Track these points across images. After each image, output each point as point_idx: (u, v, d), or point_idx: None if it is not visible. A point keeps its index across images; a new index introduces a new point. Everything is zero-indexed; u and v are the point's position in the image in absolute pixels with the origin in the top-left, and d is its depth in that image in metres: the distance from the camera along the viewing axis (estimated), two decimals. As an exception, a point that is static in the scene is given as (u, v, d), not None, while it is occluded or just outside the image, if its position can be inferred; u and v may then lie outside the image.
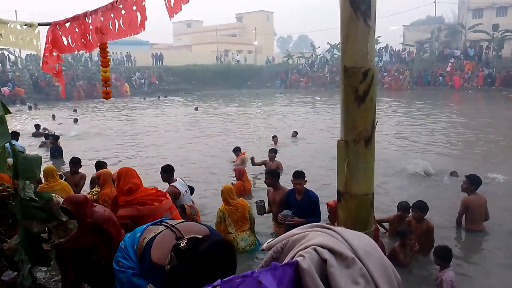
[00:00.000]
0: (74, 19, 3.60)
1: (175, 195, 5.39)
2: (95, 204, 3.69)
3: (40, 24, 3.97)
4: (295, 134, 13.82)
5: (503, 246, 5.30)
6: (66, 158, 8.90)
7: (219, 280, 1.63)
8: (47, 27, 3.86)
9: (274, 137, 12.39)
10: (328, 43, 45.22)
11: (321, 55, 47.64)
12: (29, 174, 3.75)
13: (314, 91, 37.92)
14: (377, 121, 2.62)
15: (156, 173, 7.83)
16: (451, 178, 8.28)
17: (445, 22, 51.39)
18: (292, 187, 5.43)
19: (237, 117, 20.78)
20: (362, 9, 2.41)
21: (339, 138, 2.69)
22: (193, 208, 5.24)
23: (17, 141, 8.95)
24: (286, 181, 6.29)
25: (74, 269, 3.55)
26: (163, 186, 5.98)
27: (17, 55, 37.03)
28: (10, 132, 3.83)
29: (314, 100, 29.53)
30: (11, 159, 3.79)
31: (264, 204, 5.69)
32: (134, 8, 3.05)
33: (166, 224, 2.93)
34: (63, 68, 4.58)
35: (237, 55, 53.51)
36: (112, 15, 3.22)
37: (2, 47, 29.24)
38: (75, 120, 18.66)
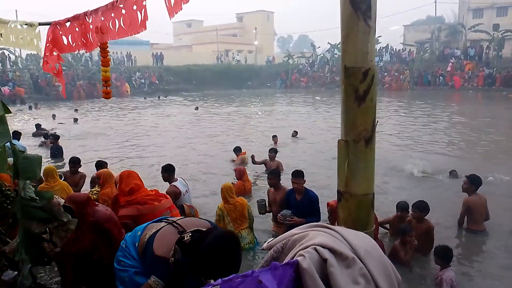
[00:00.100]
0: (75, 18, 3.60)
1: (176, 194, 5.39)
2: (97, 203, 3.71)
3: (40, 24, 3.97)
4: (295, 134, 13.83)
5: (503, 245, 5.30)
6: (67, 158, 8.91)
7: (220, 280, 1.63)
8: (48, 26, 3.86)
9: (274, 136, 12.39)
10: (328, 43, 45.26)
11: (322, 55, 47.62)
12: (29, 174, 3.75)
13: (315, 91, 37.92)
14: (377, 121, 2.62)
15: (157, 172, 7.85)
16: (451, 178, 8.28)
17: (445, 22, 51.39)
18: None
19: (237, 117, 20.78)
20: (363, 8, 2.41)
21: (339, 138, 2.69)
22: (192, 208, 5.25)
23: (18, 140, 8.96)
24: (286, 181, 6.29)
25: (73, 270, 3.55)
26: (164, 185, 5.99)
27: (17, 54, 37.02)
28: (11, 132, 3.83)
29: (315, 100, 29.54)
30: (12, 159, 3.80)
31: (265, 203, 5.70)
32: (135, 7, 3.05)
33: (167, 221, 2.94)
34: (63, 68, 4.59)
35: (238, 55, 53.51)
36: (112, 14, 3.22)
37: (2, 46, 29.26)
38: (75, 120, 18.67)
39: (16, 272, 3.82)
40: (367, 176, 2.64)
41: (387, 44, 43.94)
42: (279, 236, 2.27)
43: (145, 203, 3.96)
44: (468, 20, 43.86)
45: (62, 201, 4.03)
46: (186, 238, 2.56)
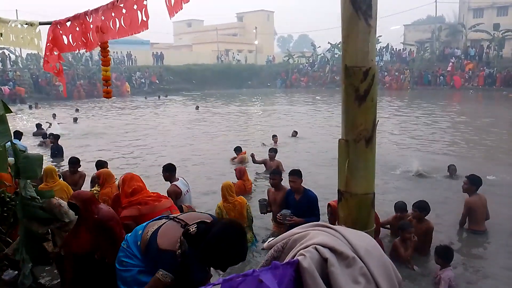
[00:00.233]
0: (75, 18, 3.60)
1: (177, 194, 5.40)
2: (99, 202, 3.73)
3: (41, 23, 3.97)
4: (295, 133, 13.84)
5: (504, 246, 5.31)
6: (67, 158, 8.91)
7: (220, 279, 1.64)
8: (48, 26, 3.86)
9: (274, 136, 12.39)
10: (328, 43, 45.25)
11: (322, 55, 47.61)
12: (30, 173, 3.75)
13: (315, 91, 37.93)
14: (377, 121, 2.62)
15: (157, 172, 7.85)
16: (450, 174, 8.29)
17: (445, 22, 51.37)
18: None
19: (237, 116, 20.79)
20: (363, 8, 2.40)
21: (340, 138, 2.69)
22: (190, 208, 5.24)
23: (19, 140, 8.97)
24: (286, 181, 6.29)
25: (73, 270, 3.55)
26: (164, 184, 5.99)
27: (17, 54, 37.02)
28: (13, 132, 3.84)
29: (315, 99, 29.54)
30: (13, 158, 3.80)
31: (267, 203, 5.70)
32: (135, 7, 3.05)
33: (168, 217, 2.96)
34: (64, 67, 4.58)
35: (238, 54, 53.51)
36: (113, 14, 3.22)
37: (2, 46, 29.25)
38: (75, 120, 18.67)
39: (16, 272, 3.82)
40: (368, 176, 2.64)
41: (388, 44, 43.95)
42: (280, 236, 2.27)
43: (146, 204, 3.97)
44: (468, 19, 43.86)
45: (62, 202, 4.04)
46: (191, 230, 2.60)
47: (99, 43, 3.48)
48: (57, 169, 6.53)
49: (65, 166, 9.43)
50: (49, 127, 15.61)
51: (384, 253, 2.16)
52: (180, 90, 39.53)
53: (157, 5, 3.52)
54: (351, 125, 2.57)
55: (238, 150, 10.26)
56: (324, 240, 2.00)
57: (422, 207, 5.01)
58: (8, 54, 35.45)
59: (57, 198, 4.07)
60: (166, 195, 5.32)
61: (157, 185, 7.10)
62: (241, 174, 7.56)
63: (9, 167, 4.20)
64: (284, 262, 1.90)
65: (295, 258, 1.90)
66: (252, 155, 9.41)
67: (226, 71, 46.20)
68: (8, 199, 3.99)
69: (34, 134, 14.50)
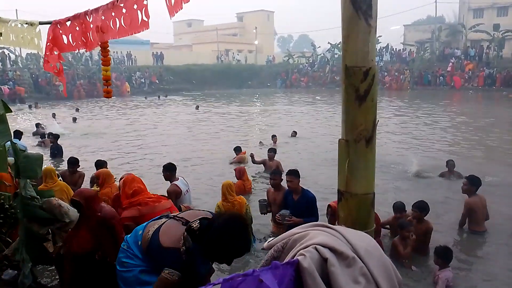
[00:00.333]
0: (75, 17, 3.60)
1: (177, 193, 5.41)
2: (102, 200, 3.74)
3: (41, 23, 3.97)
4: (294, 134, 13.84)
5: (504, 246, 5.31)
6: (67, 158, 8.92)
7: (220, 279, 1.64)
8: (48, 25, 3.86)
9: (274, 136, 12.39)
10: (328, 43, 45.24)
11: (322, 55, 47.60)
12: (30, 173, 3.75)
13: (315, 91, 37.94)
14: (378, 121, 2.62)
15: (157, 171, 7.85)
16: (450, 179, 8.30)
17: (445, 22, 51.39)
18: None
19: (237, 116, 20.79)
20: (363, 8, 2.40)
21: (340, 138, 2.69)
22: (189, 208, 5.24)
23: (19, 140, 8.96)
24: (285, 181, 6.30)
25: (71, 270, 3.54)
26: (164, 184, 6.00)
27: (17, 54, 37.01)
28: (13, 131, 3.83)
29: (315, 99, 29.55)
30: (13, 158, 3.80)
31: (267, 204, 5.70)
32: (135, 6, 3.05)
33: (168, 216, 2.96)
34: (64, 67, 4.58)
35: (238, 54, 53.51)
36: (113, 13, 3.21)
37: (2, 46, 29.23)
38: (74, 119, 18.67)
39: (16, 272, 3.82)
40: (368, 176, 2.64)
41: (388, 44, 43.97)
42: (280, 236, 2.27)
43: (146, 204, 3.99)
44: (468, 20, 43.85)
45: (62, 202, 4.04)
46: (194, 226, 2.61)
47: (99, 43, 3.48)
48: (56, 169, 6.53)
49: (65, 165, 9.43)
50: (43, 128, 15.43)
51: (384, 253, 2.16)
52: (180, 90, 39.53)
53: (157, 5, 3.52)
54: (351, 125, 2.57)
55: (237, 150, 10.26)
56: (324, 240, 2.00)
57: (422, 207, 5.01)
58: (8, 53, 35.46)
59: (56, 199, 4.07)
60: (166, 194, 5.34)
61: (157, 185, 7.11)
62: (240, 174, 7.56)
63: (9, 167, 4.20)
64: (284, 262, 1.90)
65: (295, 258, 1.90)
66: (252, 155, 9.41)
67: (226, 71, 46.19)
68: (7, 206, 3.99)
69: (34, 134, 14.50)
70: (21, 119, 19.99)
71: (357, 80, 2.49)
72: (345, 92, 2.58)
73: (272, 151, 9.23)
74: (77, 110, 23.42)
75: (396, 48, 44.07)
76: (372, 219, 2.73)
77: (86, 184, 7.00)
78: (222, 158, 10.72)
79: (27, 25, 3.94)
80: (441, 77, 35.32)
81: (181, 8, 2.84)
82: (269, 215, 5.93)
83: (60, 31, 3.77)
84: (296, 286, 1.85)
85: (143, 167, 9.88)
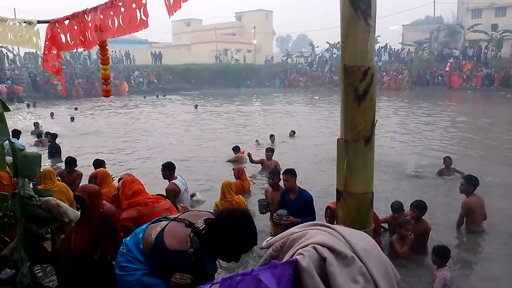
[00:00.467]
0: (73, 16, 3.59)
1: (175, 192, 5.41)
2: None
3: (39, 22, 3.96)
4: (292, 133, 13.83)
5: (503, 246, 5.31)
6: (65, 157, 8.91)
7: (219, 278, 1.64)
8: (47, 24, 3.85)
9: (272, 136, 12.39)
10: (327, 43, 45.22)
11: (320, 55, 47.61)
12: (28, 172, 3.74)
13: (313, 91, 37.95)
14: (376, 120, 2.62)
15: (156, 171, 7.84)
16: (445, 168, 8.31)
17: (444, 22, 51.44)
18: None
19: (236, 115, 20.78)
20: (362, 8, 2.41)
21: (339, 137, 2.69)
22: (186, 208, 5.24)
23: (18, 139, 8.94)
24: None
25: (69, 269, 3.53)
26: (162, 183, 5.99)
27: (15, 53, 36.91)
28: (11, 130, 3.82)
29: (313, 99, 29.56)
30: (11, 157, 3.79)
31: (266, 203, 5.70)
32: (134, 5, 3.04)
33: (168, 219, 2.93)
34: (62, 66, 4.58)
35: (236, 54, 53.46)
36: (111, 12, 3.21)
37: (0, 45, 29.16)
38: (72, 119, 18.64)
39: (14, 271, 3.81)
40: (366, 175, 2.64)
41: (386, 44, 44.02)
42: (278, 235, 2.27)
43: (145, 205, 3.98)
44: (466, 20, 43.93)
45: (60, 202, 4.04)
46: (200, 226, 2.60)
47: (98, 42, 3.47)
48: (54, 169, 6.51)
49: (63, 165, 9.42)
50: (40, 127, 15.36)
51: (383, 252, 2.16)
52: (178, 89, 39.50)
53: (156, 4, 3.52)
54: (350, 125, 2.57)
55: (236, 149, 10.26)
56: (323, 239, 2.00)
57: (421, 207, 5.01)
58: (6, 52, 35.37)
59: (55, 199, 4.07)
60: (165, 193, 5.34)
61: (155, 185, 7.11)
62: (239, 173, 7.56)
63: (7, 166, 4.19)
64: (283, 261, 1.90)
65: (293, 258, 1.90)
66: (249, 155, 9.42)
67: (225, 70, 46.18)
68: (4, 213, 3.99)
69: (32, 133, 14.48)
70: (20, 119, 19.94)
71: (356, 80, 2.50)
72: (344, 92, 2.58)
73: (270, 151, 9.22)
74: (75, 109, 23.37)
75: (394, 48, 44.13)
76: (371, 219, 2.73)
77: (83, 183, 6.98)
78: (220, 158, 10.72)
79: (25, 24, 3.93)
80: (439, 77, 35.36)
81: (180, 7, 2.83)
82: (268, 214, 5.94)
83: (58, 30, 3.77)
84: (295, 285, 1.85)
85: (141, 166, 9.87)
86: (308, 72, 45.13)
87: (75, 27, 3.62)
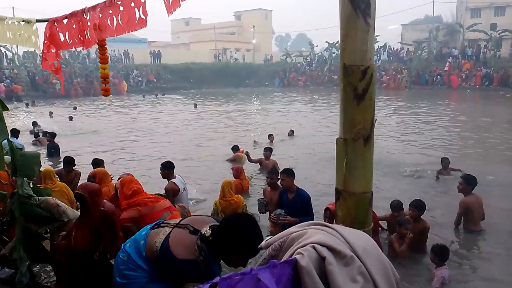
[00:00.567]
0: (72, 15, 3.58)
1: (174, 191, 5.42)
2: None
3: (37, 21, 3.95)
4: (291, 133, 13.82)
5: (501, 245, 5.31)
6: (63, 156, 8.91)
7: (218, 278, 1.63)
8: (45, 23, 3.84)
9: (270, 135, 12.38)
10: (326, 42, 45.21)
11: (320, 54, 47.59)
12: (27, 171, 3.73)
13: (313, 90, 37.96)
14: (376, 119, 2.61)
15: (155, 170, 7.84)
16: (442, 168, 8.32)
17: (443, 22, 51.43)
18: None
19: (235, 115, 20.78)
20: (362, 7, 2.40)
21: (338, 136, 2.68)
22: (184, 208, 5.25)
23: (17, 138, 8.93)
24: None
25: (67, 268, 3.53)
26: (161, 183, 5.99)
27: (14, 52, 36.86)
28: (10, 130, 3.81)
29: (312, 98, 29.56)
30: (10, 157, 3.78)
31: (266, 203, 5.71)
32: (133, 4, 3.04)
33: (169, 225, 2.87)
34: (61, 65, 4.57)
35: (235, 53, 53.44)
36: (110, 11, 3.20)
37: (-1, 44, 29.12)
38: (70, 118, 18.62)
39: (13, 270, 3.81)
40: (366, 175, 2.64)
41: (385, 43, 44.00)
42: (278, 234, 2.27)
43: (145, 205, 3.98)
44: (466, 19, 43.93)
45: (59, 201, 4.04)
46: (206, 233, 2.60)
47: (97, 41, 3.46)
48: (53, 168, 6.49)
49: (62, 164, 9.41)
50: (36, 126, 15.34)
51: (382, 252, 2.16)
52: (177, 88, 39.48)
53: (155, 3, 3.51)
54: (349, 124, 2.57)
55: (235, 149, 10.26)
56: (322, 239, 2.00)
57: (420, 206, 5.01)
58: (5, 51, 35.30)
59: (54, 198, 4.07)
60: (161, 193, 5.34)
61: (155, 184, 7.10)
62: (238, 173, 7.56)
63: (5, 165, 4.18)
64: (282, 260, 1.90)
65: (293, 257, 1.90)
66: (247, 154, 9.42)
67: (224, 70, 46.15)
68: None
69: (31, 132, 14.45)
70: (18, 118, 19.91)
71: (356, 79, 2.49)
72: (343, 91, 2.57)
73: (268, 150, 9.21)
74: (75, 108, 23.35)
75: (393, 48, 44.11)
76: (370, 218, 2.73)
77: (82, 182, 6.97)
78: (219, 157, 10.71)
79: (24, 22, 3.92)
80: (438, 77, 35.39)
81: (179, 6, 2.83)
82: (267, 214, 5.94)
83: (57, 29, 3.75)
84: (294, 285, 1.85)
85: (140, 166, 9.86)
86: (307, 72, 45.13)
87: (74, 26, 3.61)
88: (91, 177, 5.80)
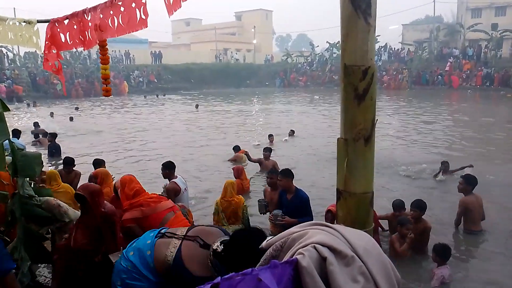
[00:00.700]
0: (73, 16, 3.59)
1: (176, 191, 5.42)
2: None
3: (39, 21, 3.96)
4: (292, 133, 13.81)
5: (501, 245, 5.31)
6: (64, 156, 8.92)
7: (219, 278, 1.63)
8: (47, 24, 3.85)
9: (270, 136, 12.38)
10: (327, 42, 45.22)
11: (320, 54, 47.59)
12: (29, 172, 3.73)
13: (313, 90, 37.95)
14: (377, 120, 2.61)
15: (155, 170, 7.84)
16: (442, 169, 8.31)
17: (444, 22, 51.41)
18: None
19: (236, 115, 20.79)
20: (363, 7, 2.40)
21: (339, 137, 2.68)
22: (184, 208, 5.25)
23: (18, 139, 8.95)
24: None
25: (65, 268, 3.52)
26: (160, 183, 5.99)
27: (15, 52, 36.91)
28: (11, 130, 3.82)
29: (313, 99, 29.55)
30: (11, 157, 3.78)
31: (266, 204, 5.70)
32: (133, 5, 3.04)
33: (177, 236, 2.86)
34: (62, 66, 4.57)
35: (236, 53, 53.46)
36: (111, 12, 3.21)
37: (0, 44, 29.13)
38: (71, 119, 18.63)
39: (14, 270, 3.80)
40: (366, 175, 2.63)
41: (386, 44, 44.00)
42: (278, 235, 2.26)
43: (148, 205, 3.97)
44: (466, 19, 43.91)
45: (61, 202, 4.04)
46: (219, 249, 2.59)
47: (98, 41, 3.46)
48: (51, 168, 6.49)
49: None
50: (37, 127, 15.36)
51: (383, 252, 2.16)
52: (178, 89, 39.51)
53: (155, 3, 3.52)
54: (350, 124, 2.56)
55: (236, 149, 10.26)
56: (323, 239, 2.00)
57: (422, 207, 5.01)
58: (6, 52, 35.35)
59: (55, 199, 4.07)
60: (159, 193, 5.34)
61: (155, 183, 7.11)
62: (238, 173, 7.56)
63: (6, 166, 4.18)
64: (283, 261, 1.90)
65: (294, 257, 1.90)
66: (247, 153, 9.43)
67: (225, 70, 46.18)
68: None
69: (33, 133, 14.45)
70: (20, 118, 19.93)
71: (356, 79, 2.49)
72: (344, 91, 2.57)
73: (268, 151, 9.19)
74: (76, 109, 23.39)
75: (394, 48, 44.12)
76: (370, 218, 2.73)
77: (82, 182, 6.97)
78: (220, 157, 10.72)
79: (25, 23, 3.93)
80: (439, 77, 35.37)
81: (180, 7, 2.83)
82: (268, 214, 5.93)
83: (58, 30, 3.76)
84: (295, 285, 1.85)
85: (141, 166, 9.87)
86: (308, 72, 45.12)
87: (75, 27, 3.62)
88: (93, 177, 5.80)
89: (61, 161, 10.11)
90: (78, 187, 3.84)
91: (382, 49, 43.01)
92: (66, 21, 3.69)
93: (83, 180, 6.98)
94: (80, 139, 14.11)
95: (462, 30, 41.01)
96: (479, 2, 43.52)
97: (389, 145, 11.85)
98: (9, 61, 35.74)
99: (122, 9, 3.13)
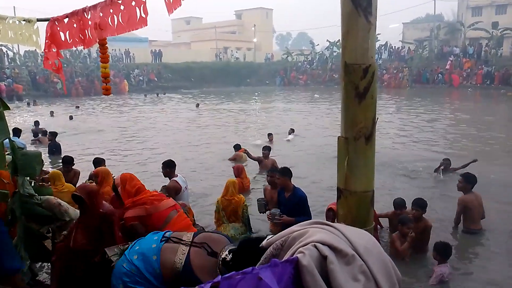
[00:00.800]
0: (73, 14, 3.58)
1: (176, 190, 5.43)
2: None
3: (38, 20, 3.95)
4: (291, 131, 13.78)
5: (501, 244, 5.30)
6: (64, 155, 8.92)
7: (219, 277, 1.63)
8: (47, 23, 3.84)
9: (270, 134, 12.37)
10: (327, 41, 45.16)
11: (321, 53, 47.55)
12: (29, 170, 3.73)
13: (313, 89, 37.93)
14: (377, 118, 2.61)
15: (156, 169, 7.84)
16: (442, 169, 8.31)
17: (444, 20, 51.42)
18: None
19: (236, 114, 20.78)
20: (363, 5, 2.39)
21: (339, 135, 2.68)
22: (185, 206, 5.26)
23: (18, 137, 8.95)
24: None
25: (64, 268, 3.52)
26: (160, 182, 5.99)
27: (15, 51, 36.88)
28: (12, 129, 3.82)
29: (313, 97, 29.54)
30: (11, 156, 3.78)
31: (266, 203, 5.70)
32: (133, 3, 3.03)
33: (184, 242, 2.86)
34: (62, 64, 4.57)
35: (236, 52, 53.40)
36: (111, 10, 3.20)
37: (0, 43, 29.12)
38: (71, 117, 18.63)
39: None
40: (367, 173, 2.63)
41: (386, 42, 43.96)
42: (279, 233, 2.26)
43: (151, 203, 3.95)
44: (467, 18, 43.86)
45: (61, 201, 4.04)
46: (227, 258, 2.60)
47: (97, 40, 3.46)
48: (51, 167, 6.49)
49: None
50: (37, 125, 15.35)
51: (383, 250, 2.16)
52: (178, 87, 39.49)
53: (155, 2, 3.51)
54: (350, 123, 2.56)
55: (237, 147, 10.26)
56: (323, 237, 1.99)
57: (423, 205, 5.01)
58: (6, 51, 35.34)
59: (55, 198, 4.07)
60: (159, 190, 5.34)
61: (155, 181, 7.11)
62: (239, 172, 7.55)
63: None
64: (284, 259, 1.89)
65: (294, 256, 1.90)
66: (246, 152, 9.43)
67: (225, 69, 46.14)
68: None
69: (33, 132, 14.45)
70: (19, 117, 19.93)
71: (357, 77, 2.48)
72: (344, 90, 2.57)
73: (267, 149, 9.17)
74: (77, 107, 23.38)
75: (394, 46, 44.06)
76: (371, 217, 2.72)
77: (82, 181, 6.98)
78: (220, 155, 10.71)
79: (25, 22, 3.92)
80: (439, 75, 35.34)
81: (180, 5, 2.82)
82: (268, 213, 5.94)
83: (58, 28, 3.75)
84: (295, 284, 1.85)
85: (141, 165, 9.87)
86: (308, 70, 45.10)
87: (75, 25, 3.61)
88: (93, 176, 5.80)
89: (61, 160, 10.15)
90: (75, 187, 3.84)
91: (383, 47, 42.95)
92: (66, 20, 3.68)
93: (83, 179, 7.00)
94: (80, 138, 14.11)
95: (462, 28, 40.98)
96: (479, 1, 43.48)
97: (389, 144, 11.84)
98: (9, 60, 35.73)
99: (122, 7, 3.12)
